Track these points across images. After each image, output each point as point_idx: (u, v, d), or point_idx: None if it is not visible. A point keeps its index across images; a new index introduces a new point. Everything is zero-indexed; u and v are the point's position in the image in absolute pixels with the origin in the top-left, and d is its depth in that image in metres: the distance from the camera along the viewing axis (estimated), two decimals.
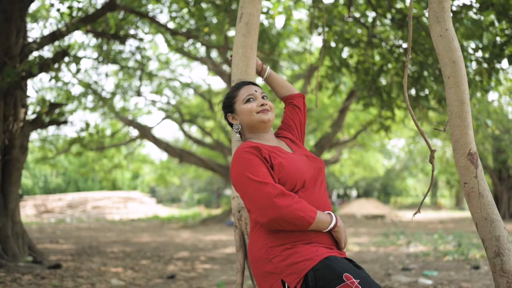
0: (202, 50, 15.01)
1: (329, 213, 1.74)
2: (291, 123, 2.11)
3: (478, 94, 6.11)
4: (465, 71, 1.79)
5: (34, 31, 19.43)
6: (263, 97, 1.93)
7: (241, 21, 2.09)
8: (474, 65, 5.47)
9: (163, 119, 17.72)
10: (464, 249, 7.53)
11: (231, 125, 1.98)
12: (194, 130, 23.82)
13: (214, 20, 8.30)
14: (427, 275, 5.33)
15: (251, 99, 1.90)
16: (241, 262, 1.87)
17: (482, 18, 5.11)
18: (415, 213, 1.79)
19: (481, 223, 1.75)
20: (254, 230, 1.78)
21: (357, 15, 6.73)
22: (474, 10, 5.04)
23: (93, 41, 10.52)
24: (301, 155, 1.90)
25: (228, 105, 1.96)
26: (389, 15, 6.08)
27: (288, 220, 1.65)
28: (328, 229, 1.71)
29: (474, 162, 1.77)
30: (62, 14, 6.75)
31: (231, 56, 2.14)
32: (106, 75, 10.77)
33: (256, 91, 1.93)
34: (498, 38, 5.15)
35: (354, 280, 1.57)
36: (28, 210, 19.69)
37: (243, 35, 2.08)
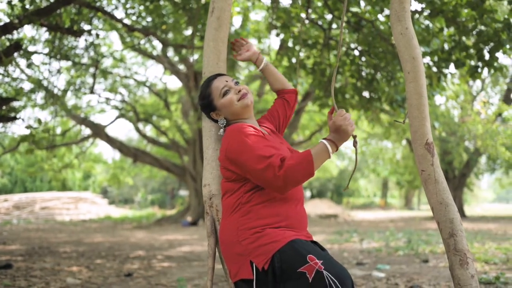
0: (158, 48, 14.84)
1: (320, 142, 1.73)
2: (276, 114, 2.17)
3: None
4: (423, 67, 1.93)
5: None
6: (236, 84, 1.95)
7: (213, 15, 2.13)
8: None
9: (117, 117, 17.30)
10: (414, 245, 7.89)
11: (215, 121, 2.00)
12: (148, 129, 23.47)
13: (172, 19, 8.23)
14: (380, 268, 5.56)
15: (227, 91, 1.92)
16: (212, 247, 1.93)
17: (431, 24, 5.38)
18: (345, 189, 1.92)
19: (436, 207, 1.89)
20: (226, 215, 1.84)
21: (314, 17, 6.89)
22: (425, 16, 5.30)
23: (44, 35, 10.14)
24: (283, 144, 1.97)
25: (207, 105, 1.97)
26: (345, 18, 6.27)
27: (295, 180, 1.68)
28: (331, 152, 1.71)
29: (431, 151, 1.91)
30: (13, 7, 6.50)
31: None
32: (58, 71, 10.43)
33: (227, 81, 1.95)
34: (445, 45, 5.44)
35: (318, 261, 1.64)
36: None
37: (214, 29, 2.13)
